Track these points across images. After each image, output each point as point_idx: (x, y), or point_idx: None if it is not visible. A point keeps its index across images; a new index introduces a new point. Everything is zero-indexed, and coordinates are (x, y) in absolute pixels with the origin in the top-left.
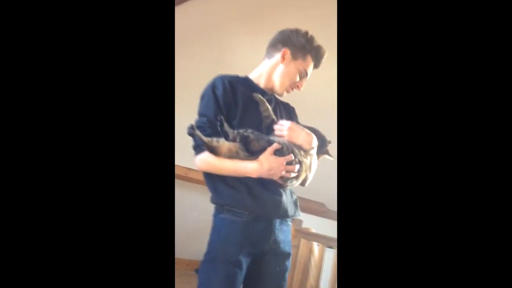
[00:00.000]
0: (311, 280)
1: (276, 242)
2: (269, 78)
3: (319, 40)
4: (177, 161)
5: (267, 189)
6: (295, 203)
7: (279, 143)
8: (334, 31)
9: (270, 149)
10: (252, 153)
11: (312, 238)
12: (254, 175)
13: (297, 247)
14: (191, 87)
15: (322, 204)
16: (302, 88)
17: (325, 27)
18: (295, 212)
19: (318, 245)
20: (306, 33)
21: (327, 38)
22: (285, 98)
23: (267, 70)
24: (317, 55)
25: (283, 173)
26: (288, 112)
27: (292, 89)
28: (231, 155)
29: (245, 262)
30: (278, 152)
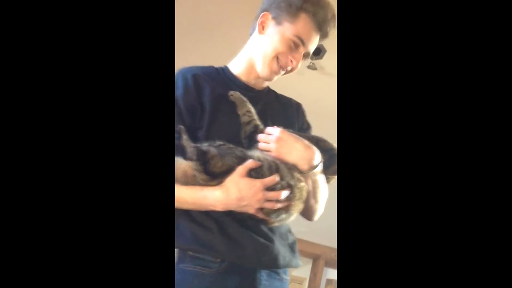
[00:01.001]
0: None
1: None
2: (250, 62)
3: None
4: None
5: (247, 227)
6: (291, 247)
7: (259, 159)
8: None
9: (240, 169)
10: (213, 175)
11: None
12: (218, 207)
13: None
14: None
15: None
16: (299, 66)
17: None
18: (291, 260)
19: None
20: None
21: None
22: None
23: (248, 52)
24: (318, 10)
25: (263, 203)
26: (287, 113)
27: (283, 69)
28: (187, 181)
29: None
30: (256, 173)
